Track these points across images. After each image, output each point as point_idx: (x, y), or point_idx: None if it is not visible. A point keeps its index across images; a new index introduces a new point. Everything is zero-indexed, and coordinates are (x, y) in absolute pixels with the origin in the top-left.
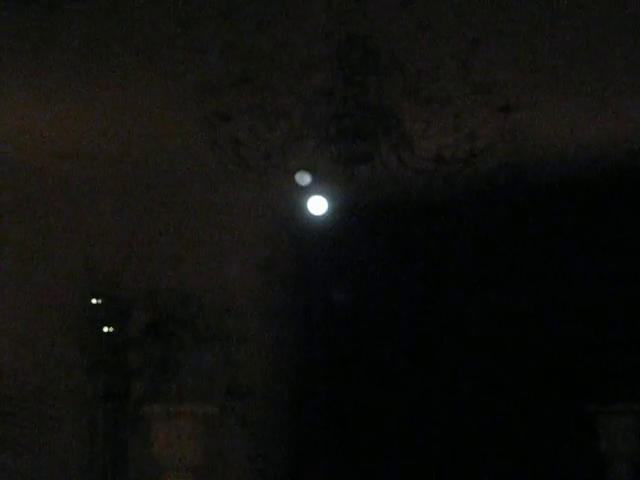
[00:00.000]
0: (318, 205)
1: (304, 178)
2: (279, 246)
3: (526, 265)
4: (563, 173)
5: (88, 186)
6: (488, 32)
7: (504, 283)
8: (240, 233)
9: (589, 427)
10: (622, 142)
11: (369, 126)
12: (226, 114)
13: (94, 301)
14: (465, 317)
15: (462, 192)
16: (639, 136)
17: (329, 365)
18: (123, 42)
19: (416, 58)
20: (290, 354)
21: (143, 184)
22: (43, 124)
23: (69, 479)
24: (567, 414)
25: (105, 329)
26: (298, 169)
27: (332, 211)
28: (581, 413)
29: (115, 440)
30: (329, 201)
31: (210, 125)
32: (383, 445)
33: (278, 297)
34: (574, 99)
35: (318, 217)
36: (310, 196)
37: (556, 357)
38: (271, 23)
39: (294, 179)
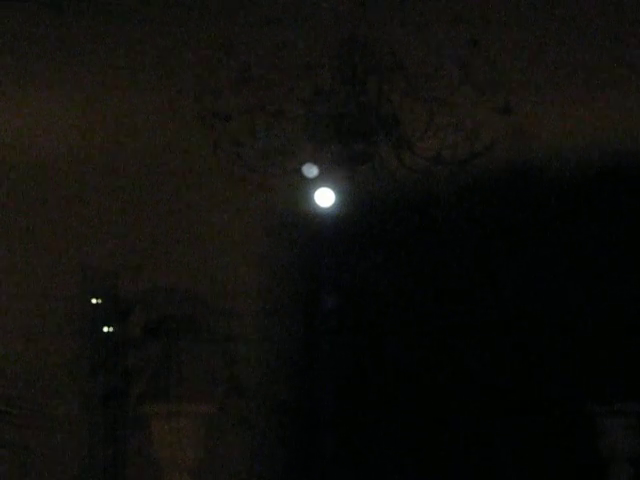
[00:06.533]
0: (325, 197)
1: (311, 170)
2: (281, 245)
3: (526, 264)
4: (563, 173)
5: (87, 186)
6: (488, 32)
7: (504, 282)
8: (240, 233)
9: (589, 427)
10: (622, 142)
11: (369, 126)
12: (226, 114)
13: (94, 301)
14: (465, 316)
15: (462, 192)
16: (637, 137)
17: (330, 364)
18: (122, 42)
19: (416, 58)
20: (290, 354)
21: (143, 184)
22: (41, 124)
23: (69, 479)
24: (567, 414)
25: (105, 329)
26: (299, 168)
27: (339, 203)
28: (581, 413)
29: (115, 440)
30: (336, 193)
31: (210, 125)
32: (384, 445)
33: (278, 297)
34: (574, 99)
35: (325, 209)
36: (317, 188)
37: (556, 357)
38: (271, 23)
39: (299, 173)
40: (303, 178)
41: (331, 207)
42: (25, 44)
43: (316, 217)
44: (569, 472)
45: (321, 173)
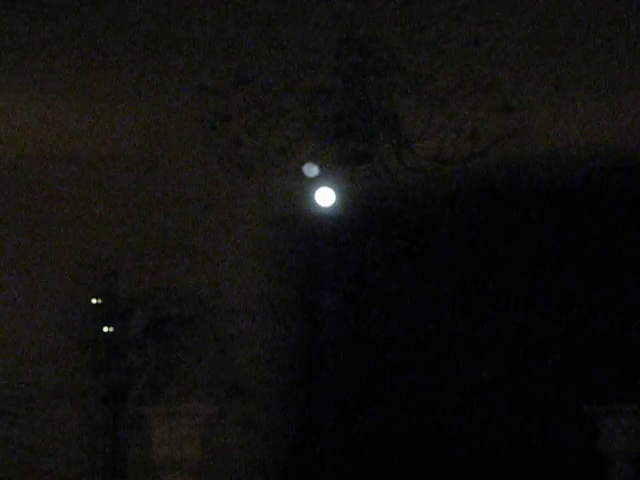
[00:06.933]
0: (326, 197)
1: (312, 170)
2: (282, 244)
3: (526, 265)
4: (563, 173)
5: (88, 186)
6: (488, 32)
7: (504, 282)
8: (240, 233)
9: (589, 427)
10: (622, 142)
11: (369, 126)
12: (226, 114)
13: (94, 301)
14: (465, 317)
15: (462, 192)
16: (638, 137)
17: (330, 364)
18: (123, 42)
19: (416, 58)
20: (290, 354)
21: (143, 184)
22: (43, 125)
23: (69, 479)
24: (567, 414)
25: (105, 329)
26: (299, 168)
27: (340, 203)
28: (581, 413)
29: (115, 440)
30: (337, 193)
31: (210, 125)
32: (384, 445)
33: (278, 297)
34: (574, 99)
35: (326, 209)
36: (317, 188)
37: (556, 357)
38: (271, 23)
39: (300, 173)
40: (304, 178)
41: (331, 206)
42: (26, 44)
43: (316, 216)
44: (569, 472)
45: (321, 173)
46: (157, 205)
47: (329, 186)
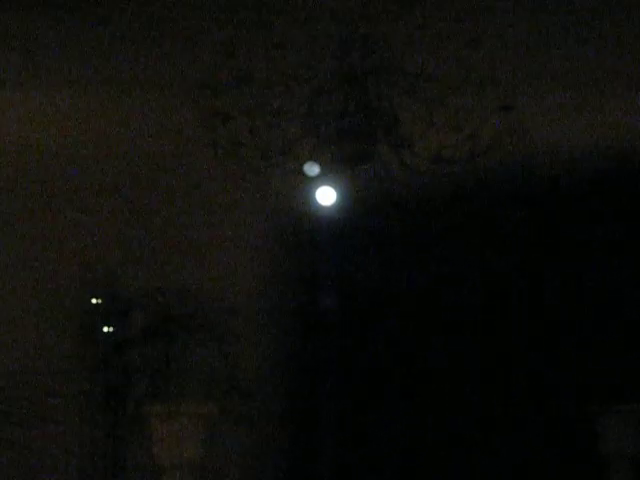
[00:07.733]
0: (326, 196)
1: (312, 169)
2: (282, 243)
3: (526, 264)
4: (564, 173)
5: (87, 186)
6: (488, 32)
7: (504, 281)
8: (240, 233)
9: (589, 427)
10: (621, 142)
11: (369, 126)
12: (226, 114)
13: (94, 301)
14: (465, 316)
15: (462, 192)
16: (638, 136)
17: (331, 364)
18: (122, 42)
19: (416, 58)
20: (290, 354)
21: (143, 184)
22: (41, 122)
23: (69, 479)
24: (567, 414)
25: (105, 329)
26: (300, 167)
27: (340, 202)
28: (581, 413)
29: (115, 440)
30: (337, 192)
31: (210, 125)
32: (384, 445)
33: (279, 296)
34: (574, 99)
35: (327, 208)
36: (318, 187)
37: (556, 357)
38: (271, 23)
39: (300, 172)
40: (304, 177)
41: (332, 205)
42: (27, 43)
43: (317, 216)
44: (569, 472)
45: (322, 172)
46: (157, 205)
47: (330, 185)
